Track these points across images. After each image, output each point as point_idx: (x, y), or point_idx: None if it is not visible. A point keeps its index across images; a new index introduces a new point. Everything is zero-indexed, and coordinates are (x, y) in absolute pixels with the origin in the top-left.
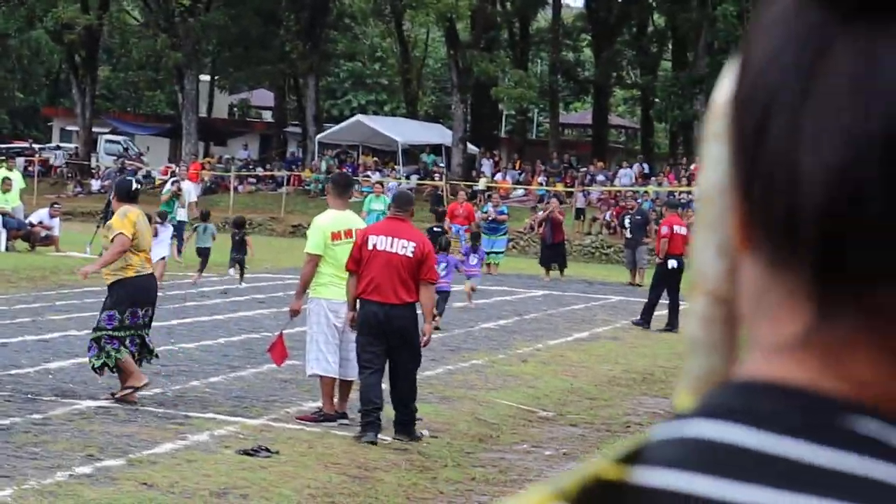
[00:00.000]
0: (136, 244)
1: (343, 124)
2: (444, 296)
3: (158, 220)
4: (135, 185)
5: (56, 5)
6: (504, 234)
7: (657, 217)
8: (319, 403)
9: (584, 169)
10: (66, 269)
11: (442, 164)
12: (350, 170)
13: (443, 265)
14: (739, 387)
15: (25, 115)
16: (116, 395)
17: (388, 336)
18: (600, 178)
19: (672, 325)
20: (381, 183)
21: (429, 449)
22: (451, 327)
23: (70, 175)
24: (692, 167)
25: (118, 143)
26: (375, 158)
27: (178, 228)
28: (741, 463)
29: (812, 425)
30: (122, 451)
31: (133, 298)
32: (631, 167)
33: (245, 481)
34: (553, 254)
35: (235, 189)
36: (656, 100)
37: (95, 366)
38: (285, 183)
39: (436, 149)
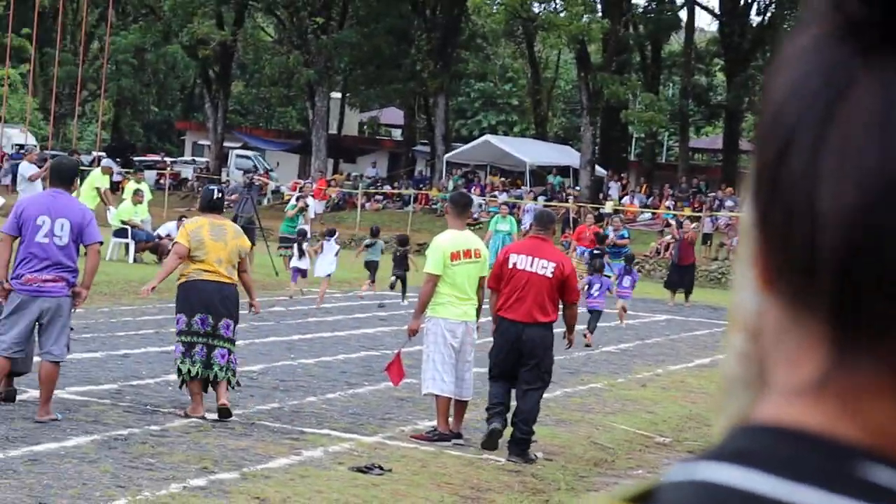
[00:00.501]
0: (193, 254)
1: (471, 144)
2: (596, 315)
3: (328, 235)
4: (216, 195)
5: (192, 21)
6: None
7: None
8: (434, 423)
9: (713, 194)
10: None
11: (577, 188)
12: (478, 189)
13: (597, 286)
14: (754, 430)
15: (160, 128)
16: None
17: (521, 353)
18: (729, 203)
19: None
20: (506, 204)
21: (543, 471)
22: (572, 350)
23: (201, 188)
24: None
25: (249, 158)
26: (503, 179)
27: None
28: None
29: (826, 473)
30: (236, 464)
31: (189, 303)
32: None
33: (357, 498)
34: (681, 277)
35: (363, 206)
36: None
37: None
38: (412, 201)
39: (563, 170)
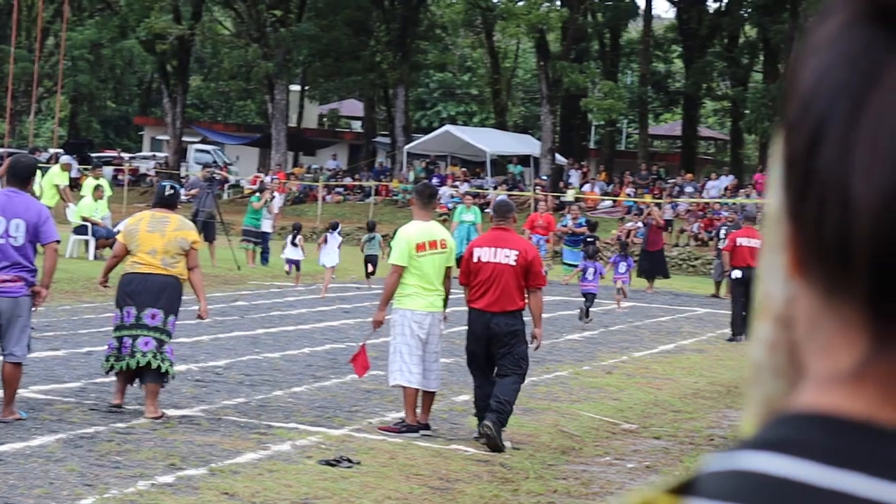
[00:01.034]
0: (129, 248)
1: (432, 135)
2: (590, 297)
3: (331, 229)
4: (168, 191)
5: (149, 15)
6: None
7: None
8: (402, 414)
9: (673, 180)
10: None
11: (544, 177)
12: (438, 180)
13: (591, 270)
14: (794, 418)
15: (117, 124)
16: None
17: (491, 343)
18: (689, 189)
19: (737, 334)
20: (470, 194)
21: (511, 461)
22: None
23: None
24: None
25: (208, 152)
26: (464, 169)
27: (265, 239)
28: (798, 498)
29: (870, 458)
30: (203, 460)
31: (120, 296)
32: (719, 179)
33: (326, 492)
34: (651, 263)
35: (324, 199)
36: (746, 112)
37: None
38: (373, 193)
39: (524, 160)
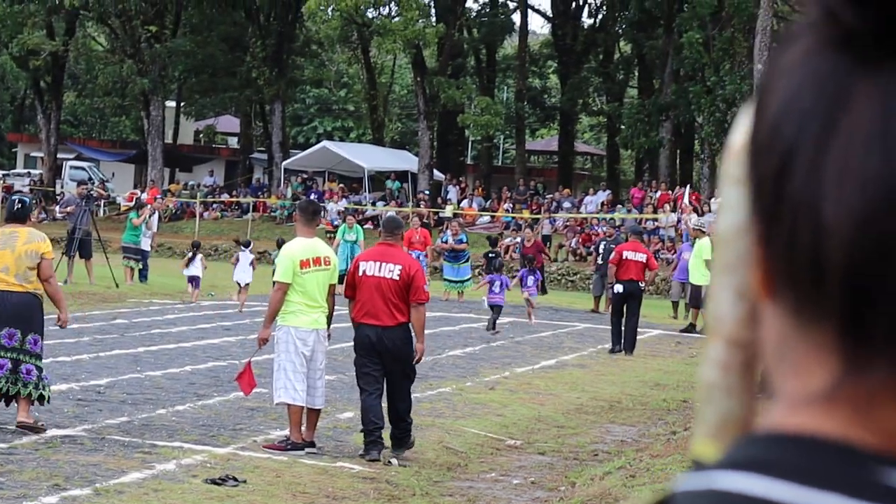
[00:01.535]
0: None
1: (309, 151)
2: (497, 309)
3: (242, 246)
4: (16, 205)
5: (21, 31)
6: (466, 261)
7: None
8: (287, 432)
9: (551, 196)
10: None
11: (426, 192)
12: (316, 196)
13: (497, 283)
14: (767, 438)
15: None
16: None
17: (383, 356)
18: (566, 204)
19: (625, 349)
20: (352, 215)
21: (397, 478)
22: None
23: (36, 201)
24: (657, 195)
25: (83, 169)
26: (342, 185)
27: (144, 256)
28: None
29: (845, 478)
30: (88, 480)
31: None
32: (596, 194)
33: None
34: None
35: (201, 215)
36: (622, 127)
37: None
38: (251, 209)
39: (401, 175)
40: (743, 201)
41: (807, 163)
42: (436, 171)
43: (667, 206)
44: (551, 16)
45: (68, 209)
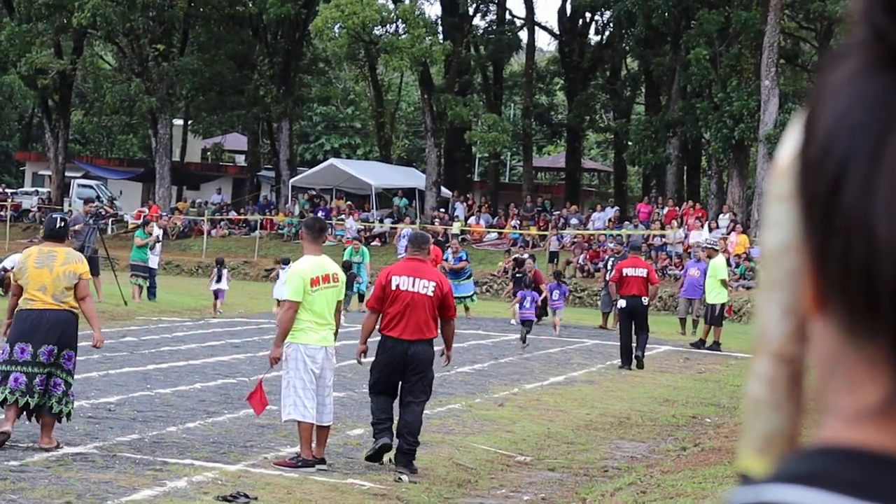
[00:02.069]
0: (21, 284)
1: (316, 168)
2: (528, 324)
3: (283, 264)
4: (59, 224)
5: (30, 50)
6: (468, 278)
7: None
8: (297, 449)
9: (558, 212)
10: None
11: (443, 210)
12: (323, 213)
13: (528, 299)
14: (820, 452)
15: None
16: None
17: (406, 369)
18: (573, 221)
19: (626, 363)
20: (358, 239)
21: (408, 494)
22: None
23: (43, 219)
24: (665, 211)
25: (91, 187)
26: (349, 202)
27: (152, 274)
28: None
29: None
30: (100, 498)
31: (12, 333)
32: (604, 211)
33: None
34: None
35: (209, 233)
36: (629, 143)
37: None
38: (259, 227)
39: (409, 192)
40: (789, 219)
41: (859, 181)
42: (443, 188)
43: (674, 223)
44: (558, 33)
45: (76, 227)
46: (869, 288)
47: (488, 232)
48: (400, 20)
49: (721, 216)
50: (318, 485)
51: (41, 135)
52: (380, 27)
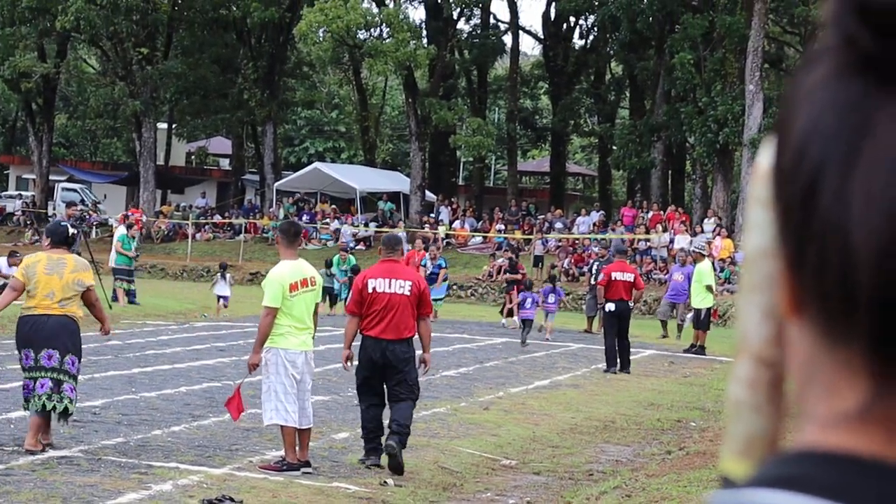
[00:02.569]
0: (28, 289)
1: (301, 172)
2: (528, 323)
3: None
4: (71, 231)
5: (13, 54)
6: (444, 281)
7: None
8: (282, 452)
9: (542, 216)
10: None
11: (432, 215)
12: (308, 217)
13: (529, 300)
14: (800, 456)
15: None
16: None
17: (386, 369)
18: (558, 225)
19: (612, 366)
20: (345, 250)
21: (393, 498)
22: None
23: (28, 223)
24: (649, 215)
25: (75, 191)
26: (334, 206)
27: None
28: None
29: (880, 496)
30: (85, 501)
31: (19, 338)
32: (589, 215)
33: None
34: None
35: (193, 237)
36: (614, 147)
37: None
38: (243, 231)
39: (393, 196)
40: (769, 223)
41: (833, 187)
42: (427, 192)
43: (659, 227)
44: (542, 37)
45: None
46: (845, 294)
47: (473, 236)
48: (384, 24)
49: (706, 220)
50: (304, 488)
51: (25, 138)
52: (364, 31)
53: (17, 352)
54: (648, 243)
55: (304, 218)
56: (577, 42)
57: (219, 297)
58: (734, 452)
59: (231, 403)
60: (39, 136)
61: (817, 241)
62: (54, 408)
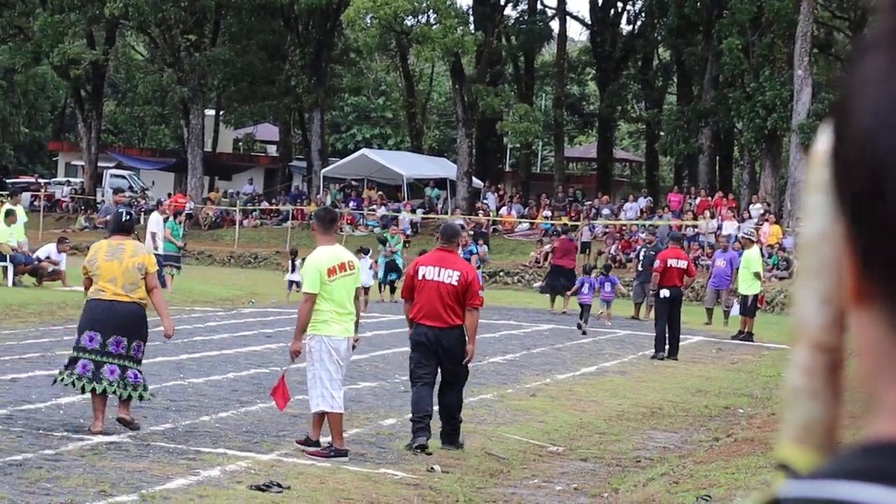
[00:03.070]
0: (91, 276)
1: (348, 158)
2: (587, 308)
3: (362, 253)
4: (125, 217)
5: (62, 41)
6: (477, 268)
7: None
8: (328, 439)
9: (589, 202)
10: (73, 304)
11: (486, 202)
12: (355, 204)
13: (587, 285)
14: (877, 448)
15: (30, 149)
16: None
17: (438, 355)
18: (605, 211)
19: (670, 354)
20: (392, 251)
21: (440, 484)
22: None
23: (78, 209)
24: (697, 201)
25: (123, 177)
26: (381, 193)
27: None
28: None
29: None
30: (134, 486)
31: (82, 321)
32: (636, 201)
33: None
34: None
35: (241, 223)
36: (661, 133)
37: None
38: (290, 217)
39: (440, 183)
40: (827, 207)
41: None
42: (474, 179)
43: (706, 213)
44: (590, 23)
45: (107, 218)
46: None
47: (520, 222)
48: (431, 10)
49: (752, 206)
50: (351, 474)
51: (74, 125)
52: (411, 17)
53: (77, 333)
54: (696, 229)
55: (351, 204)
56: (625, 27)
57: (290, 283)
58: (791, 439)
59: (276, 392)
60: (88, 123)
61: (887, 238)
62: (120, 395)
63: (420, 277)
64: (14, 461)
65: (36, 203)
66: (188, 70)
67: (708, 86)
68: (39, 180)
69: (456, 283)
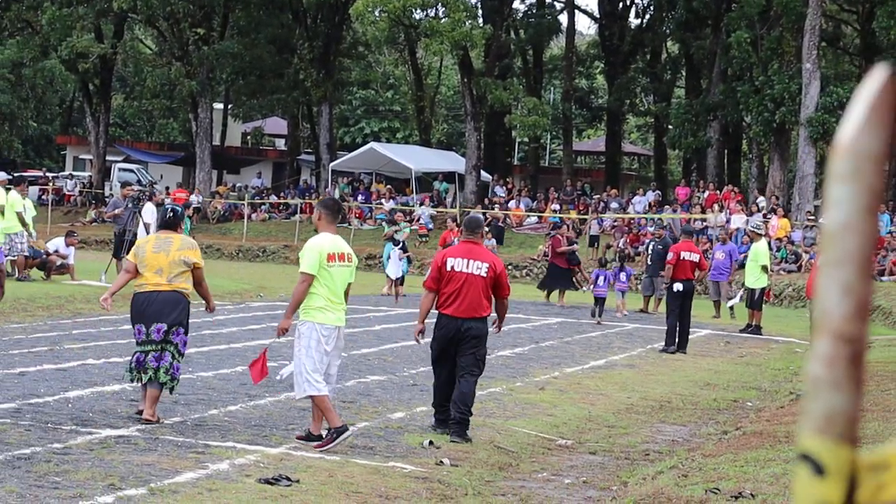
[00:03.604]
0: (139, 268)
1: (356, 152)
2: (601, 301)
3: (392, 244)
4: (168, 214)
5: (70, 35)
6: None
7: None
8: (327, 425)
9: (598, 196)
10: (81, 298)
11: (498, 194)
12: (363, 197)
13: (601, 278)
14: None
15: (38, 143)
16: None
17: (460, 345)
18: (614, 205)
19: (680, 348)
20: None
21: (449, 477)
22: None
23: (87, 203)
24: (705, 194)
25: (132, 171)
26: (389, 186)
27: None
28: None
29: None
30: (143, 480)
31: (134, 316)
32: (644, 194)
33: None
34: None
35: (249, 217)
36: (670, 127)
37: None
38: (299, 211)
39: (449, 176)
40: (848, 198)
41: None
42: (483, 172)
43: (715, 206)
44: (598, 16)
45: (115, 212)
46: None
47: (528, 216)
48: (440, 4)
49: (759, 199)
50: (360, 468)
51: (82, 119)
52: (420, 11)
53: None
54: (704, 223)
55: (360, 198)
56: (634, 21)
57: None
58: (813, 429)
59: (255, 366)
60: (96, 117)
61: None
62: (159, 378)
63: (448, 268)
64: (23, 455)
65: (44, 197)
66: (196, 63)
67: (716, 79)
68: (47, 174)
69: (485, 275)
